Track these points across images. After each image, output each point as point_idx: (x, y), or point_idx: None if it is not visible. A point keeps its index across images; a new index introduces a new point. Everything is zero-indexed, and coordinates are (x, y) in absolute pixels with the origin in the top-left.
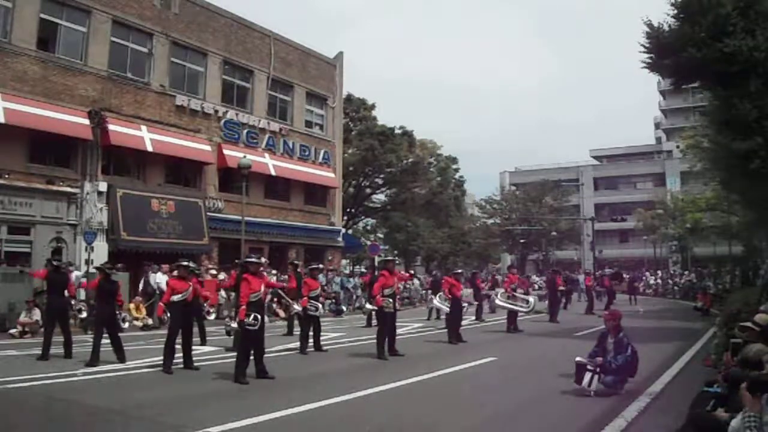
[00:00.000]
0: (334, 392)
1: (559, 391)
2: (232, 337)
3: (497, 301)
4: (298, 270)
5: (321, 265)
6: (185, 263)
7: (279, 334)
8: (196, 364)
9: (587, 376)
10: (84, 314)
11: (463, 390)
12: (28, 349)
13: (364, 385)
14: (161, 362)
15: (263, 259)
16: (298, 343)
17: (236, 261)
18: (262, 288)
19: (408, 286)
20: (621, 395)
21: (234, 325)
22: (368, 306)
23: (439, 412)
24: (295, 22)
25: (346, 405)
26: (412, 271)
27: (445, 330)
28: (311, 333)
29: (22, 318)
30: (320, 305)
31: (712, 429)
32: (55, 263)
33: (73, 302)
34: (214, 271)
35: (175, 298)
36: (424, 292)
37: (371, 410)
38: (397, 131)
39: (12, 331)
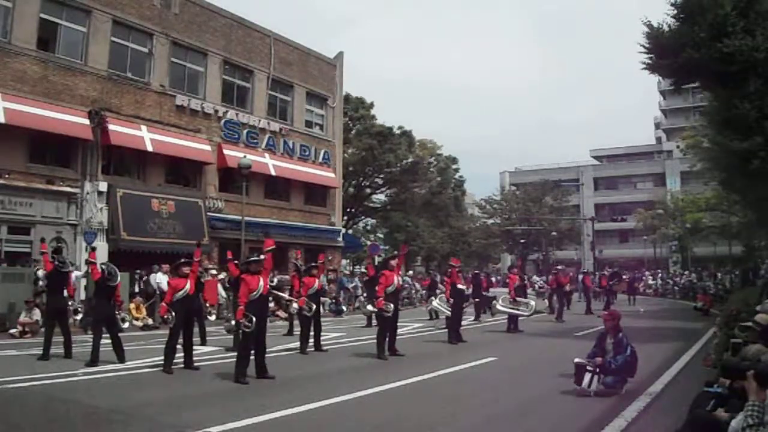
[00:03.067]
0: (334, 392)
1: (559, 391)
2: (232, 336)
3: (499, 306)
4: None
5: (320, 262)
6: (183, 261)
7: (279, 334)
8: (196, 364)
9: (587, 376)
10: (80, 315)
11: (463, 390)
12: (28, 349)
13: (364, 385)
14: (161, 362)
15: (262, 256)
16: (298, 343)
17: (229, 258)
18: (261, 285)
19: (407, 285)
20: (621, 395)
21: (233, 323)
22: (369, 307)
23: (439, 412)
24: (295, 22)
25: (346, 405)
26: (411, 272)
27: (445, 330)
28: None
29: (22, 318)
30: (314, 305)
31: (712, 429)
32: (58, 264)
33: (71, 302)
34: (214, 271)
35: (178, 295)
36: (423, 292)
37: (371, 410)
38: (396, 131)
39: (12, 331)
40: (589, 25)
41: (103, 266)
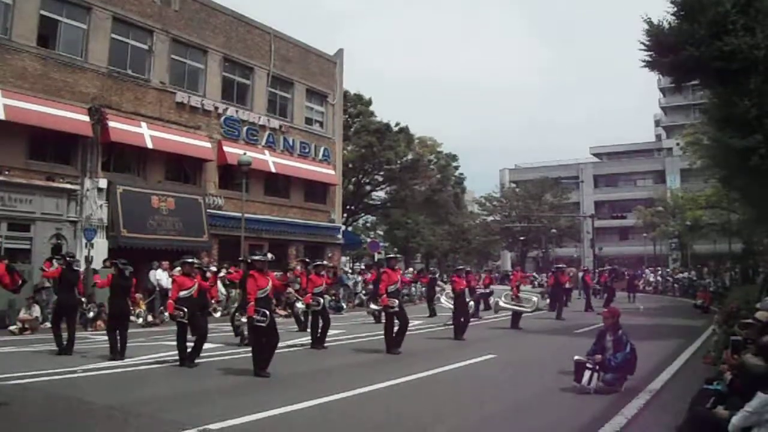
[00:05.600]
0: (333, 389)
1: (559, 388)
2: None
3: (501, 303)
4: (309, 267)
5: (326, 262)
6: (190, 260)
7: (282, 331)
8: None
9: (587, 374)
10: (92, 314)
11: (463, 387)
12: (27, 345)
13: (364, 382)
14: (160, 359)
15: (269, 255)
16: (297, 340)
17: (241, 259)
18: (269, 284)
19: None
20: (621, 393)
21: (244, 320)
22: (372, 306)
23: (439, 410)
24: (295, 19)
25: (345, 402)
26: (411, 269)
27: (444, 327)
28: (309, 330)
29: (22, 314)
30: (322, 300)
31: (712, 426)
32: (69, 260)
33: (83, 300)
34: (213, 268)
35: (182, 294)
36: (423, 290)
37: (371, 407)
38: (393, 128)
39: (12, 327)
40: (589, 23)
41: (120, 264)
